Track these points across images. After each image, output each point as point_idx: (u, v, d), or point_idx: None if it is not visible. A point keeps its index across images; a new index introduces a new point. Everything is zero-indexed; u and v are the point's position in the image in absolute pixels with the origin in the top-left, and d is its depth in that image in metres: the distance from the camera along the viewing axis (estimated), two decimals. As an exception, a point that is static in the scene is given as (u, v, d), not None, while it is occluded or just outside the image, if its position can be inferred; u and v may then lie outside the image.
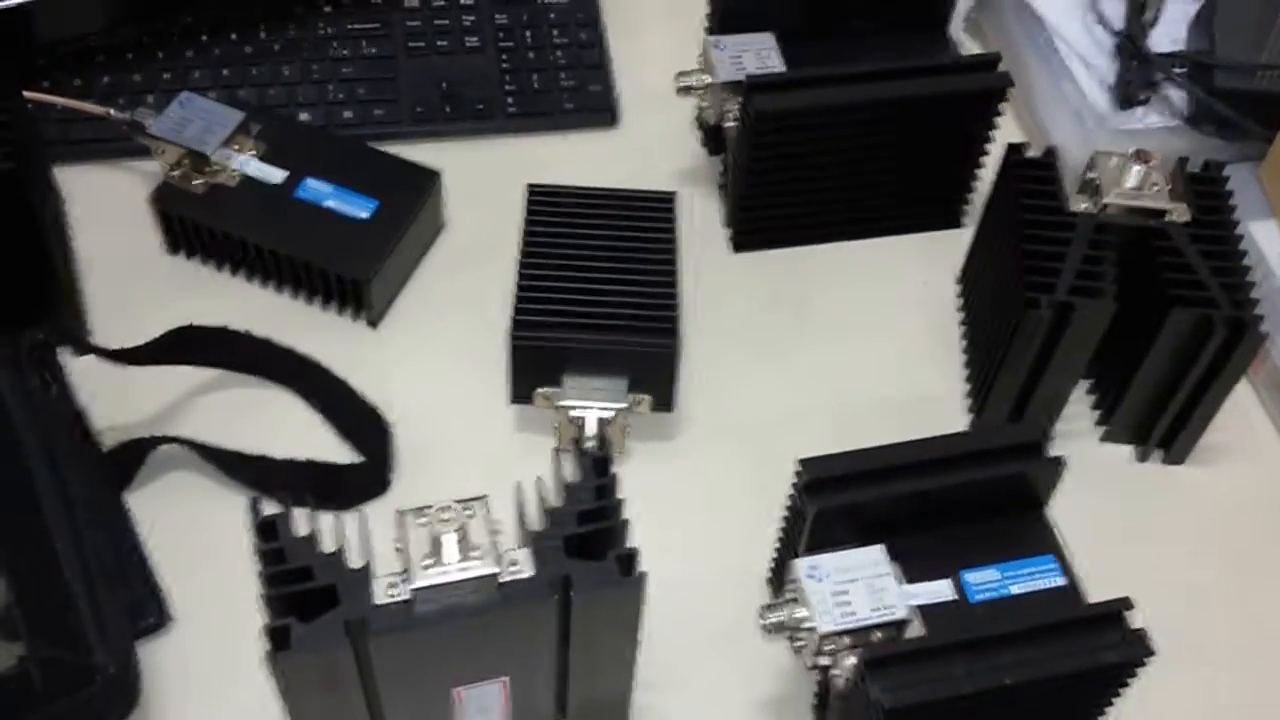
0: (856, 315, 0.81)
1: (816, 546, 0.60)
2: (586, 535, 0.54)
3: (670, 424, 0.74)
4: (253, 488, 0.70)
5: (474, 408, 0.75)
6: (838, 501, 0.59)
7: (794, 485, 0.60)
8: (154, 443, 0.70)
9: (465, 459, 0.73)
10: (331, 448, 0.73)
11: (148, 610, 0.65)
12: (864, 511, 0.59)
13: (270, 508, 0.55)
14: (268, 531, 0.54)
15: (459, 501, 0.53)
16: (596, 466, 0.56)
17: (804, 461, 0.59)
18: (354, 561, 0.54)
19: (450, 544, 0.52)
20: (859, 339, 0.80)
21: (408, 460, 0.73)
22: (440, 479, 0.72)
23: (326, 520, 0.55)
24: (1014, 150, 0.72)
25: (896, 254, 0.84)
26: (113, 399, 0.72)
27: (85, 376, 0.72)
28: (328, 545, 0.54)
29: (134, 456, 0.70)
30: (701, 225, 0.84)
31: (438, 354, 0.78)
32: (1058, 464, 0.60)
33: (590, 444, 0.70)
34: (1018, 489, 0.61)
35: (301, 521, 0.55)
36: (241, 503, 0.70)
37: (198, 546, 0.68)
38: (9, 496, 0.58)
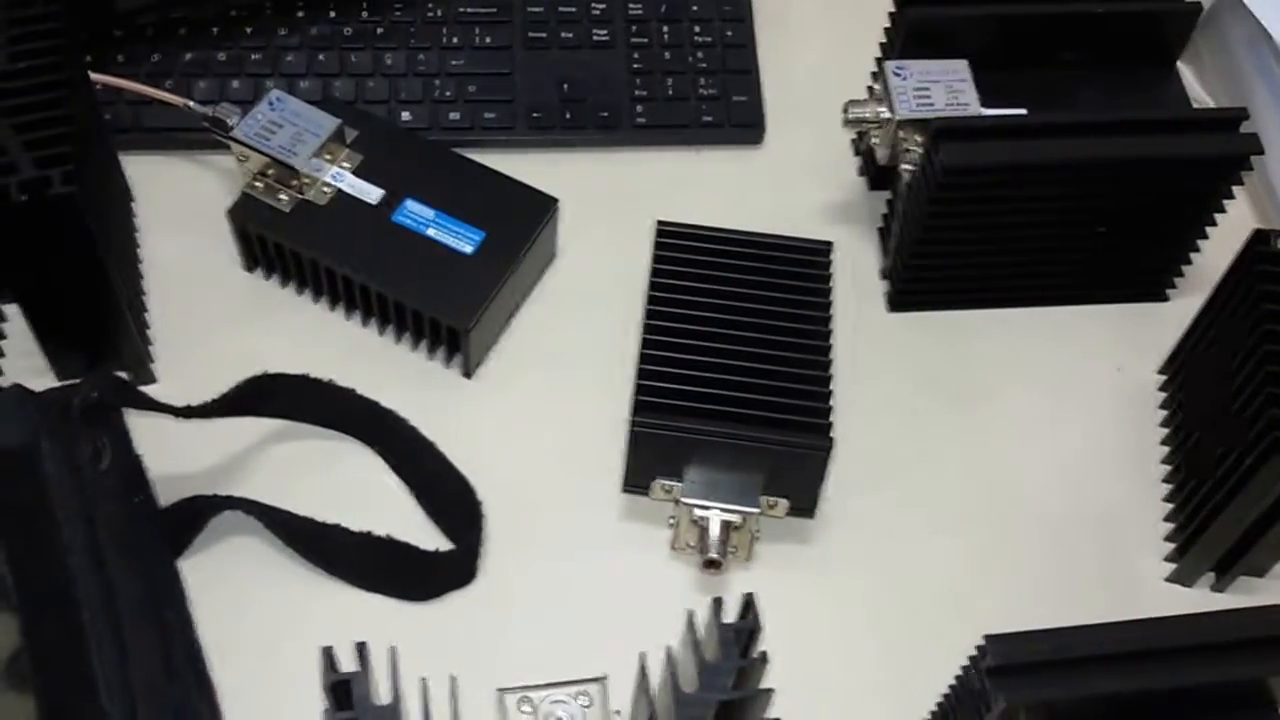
0: (1033, 401, 0.68)
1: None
2: (723, 732, 0.44)
3: (805, 523, 0.63)
4: (322, 565, 0.62)
5: (578, 483, 0.65)
6: (1032, 697, 0.47)
7: (973, 663, 0.49)
8: (215, 506, 0.61)
9: (564, 545, 0.63)
10: (412, 518, 0.63)
11: (197, 714, 0.57)
12: (1062, 711, 0.48)
13: (346, 659, 0.45)
14: (341, 695, 0.44)
15: (572, 684, 0.43)
16: (740, 640, 0.45)
17: (991, 640, 0.48)
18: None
19: (560, 740, 0.43)
20: (1034, 431, 0.67)
21: (497, 540, 0.63)
22: (534, 566, 0.63)
23: (412, 675, 0.46)
24: (1260, 240, 0.59)
25: (1085, 327, 0.71)
26: (173, 444, 0.64)
27: (142, 417, 0.62)
28: (413, 712, 0.45)
29: (192, 520, 0.62)
30: (853, 273, 0.72)
31: (540, 413, 0.67)
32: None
33: (713, 554, 0.59)
34: (1255, 692, 0.49)
35: (382, 680, 0.45)
36: (309, 577, 0.62)
37: (257, 627, 0.60)
38: (45, 607, 0.48)
